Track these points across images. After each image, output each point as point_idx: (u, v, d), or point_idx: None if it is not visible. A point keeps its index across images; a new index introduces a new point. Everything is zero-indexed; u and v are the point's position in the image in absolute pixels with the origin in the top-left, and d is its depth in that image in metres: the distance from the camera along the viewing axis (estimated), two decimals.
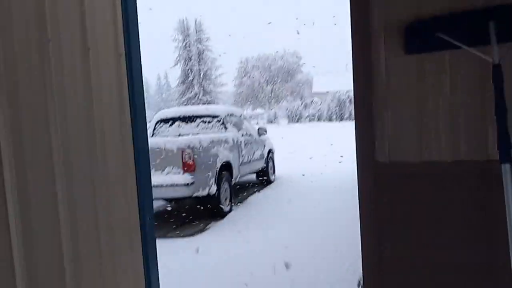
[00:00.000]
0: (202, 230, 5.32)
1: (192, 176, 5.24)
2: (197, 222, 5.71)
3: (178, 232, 5.30)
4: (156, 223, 5.59)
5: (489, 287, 1.76)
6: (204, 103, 30.50)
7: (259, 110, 43.57)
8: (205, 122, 7.10)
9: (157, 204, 6.90)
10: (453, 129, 1.80)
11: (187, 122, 7.15)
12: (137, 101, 2.08)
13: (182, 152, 5.27)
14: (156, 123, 7.35)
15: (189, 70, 36.77)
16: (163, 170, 5.29)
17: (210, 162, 5.68)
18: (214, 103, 31.54)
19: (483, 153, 1.74)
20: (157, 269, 2.25)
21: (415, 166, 1.87)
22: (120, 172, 1.96)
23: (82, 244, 1.69)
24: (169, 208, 6.64)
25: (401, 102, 1.87)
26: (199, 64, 36.93)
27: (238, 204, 6.72)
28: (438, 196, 1.84)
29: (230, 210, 6.20)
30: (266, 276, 3.53)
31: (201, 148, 5.51)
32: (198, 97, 35.16)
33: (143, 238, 2.13)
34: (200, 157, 5.43)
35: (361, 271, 1.96)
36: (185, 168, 5.26)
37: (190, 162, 5.27)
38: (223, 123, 7.06)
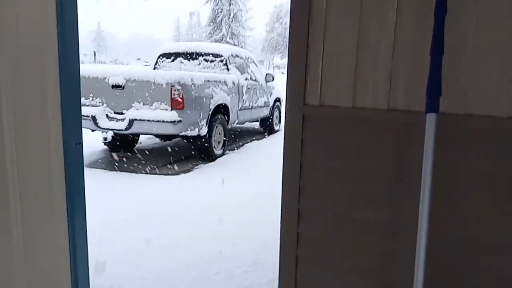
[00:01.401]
0: (186, 171, 5.28)
1: (180, 114, 5.09)
2: (186, 163, 5.67)
3: (163, 169, 5.28)
4: (142, 159, 5.63)
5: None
6: (231, 45, 29.56)
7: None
8: (208, 60, 6.83)
9: (150, 142, 6.91)
10: (392, 73, 1.52)
11: (189, 59, 6.90)
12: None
13: (171, 87, 5.08)
14: (158, 57, 7.14)
15: (219, 10, 35.55)
16: (151, 105, 5.15)
17: (202, 102, 5.49)
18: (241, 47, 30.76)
19: (421, 103, 1.47)
20: (84, 210, 2.09)
21: (347, 111, 1.62)
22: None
23: None
24: (159, 146, 6.62)
25: (339, 40, 1.59)
26: (229, 4, 35.58)
27: (234, 149, 6.61)
28: (367, 146, 1.60)
29: (223, 154, 6.10)
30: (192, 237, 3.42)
31: (193, 86, 5.29)
32: (225, 39, 34.25)
33: (66, 166, 2.00)
34: (190, 95, 5.24)
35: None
36: (173, 105, 5.09)
37: (179, 99, 5.09)
38: (225, 63, 6.77)
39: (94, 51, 34.48)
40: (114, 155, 5.88)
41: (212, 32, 35.88)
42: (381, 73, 1.54)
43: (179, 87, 5.07)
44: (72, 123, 1.99)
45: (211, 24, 36.28)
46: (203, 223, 3.44)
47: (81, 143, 2.10)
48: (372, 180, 1.61)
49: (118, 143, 5.98)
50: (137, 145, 6.55)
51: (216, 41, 33.52)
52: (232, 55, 6.94)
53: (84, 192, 2.08)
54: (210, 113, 5.63)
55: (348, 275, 1.69)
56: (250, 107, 7.12)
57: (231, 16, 35.83)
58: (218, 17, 35.62)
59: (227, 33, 35.41)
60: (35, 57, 1.75)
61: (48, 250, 1.84)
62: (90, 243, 2.03)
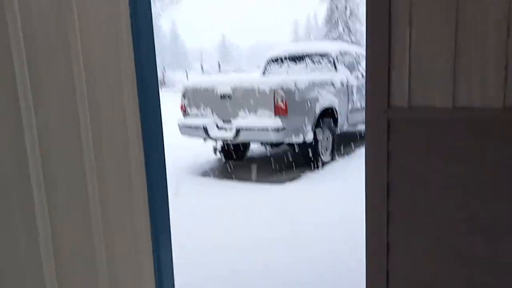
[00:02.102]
0: (292, 179, 5.11)
1: (283, 121, 4.97)
2: (292, 170, 5.52)
3: (269, 177, 5.22)
4: (252, 167, 5.68)
5: None
6: (348, 43, 28.48)
7: None
8: (315, 62, 6.58)
9: (262, 149, 6.95)
10: (508, 63, 1.10)
11: (296, 62, 6.75)
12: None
13: (274, 93, 4.98)
14: (267, 63, 7.17)
15: (335, 7, 34.69)
16: (256, 113, 5.15)
17: (307, 107, 5.27)
18: (358, 44, 29.36)
19: None
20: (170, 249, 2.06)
21: (446, 112, 1.24)
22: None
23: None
24: (269, 152, 6.60)
25: (431, 22, 1.23)
26: (346, 1, 34.38)
27: (344, 155, 6.21)
28: (475, 154, 1.20)
29: (331, 161, 5.77)
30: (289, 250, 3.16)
31: (296, 90, 5.12)
32: (342, 37, 33.19)
33: (148, 185, 2.01)
34: (294, 100, 5.07)
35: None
36: (276, 112, 4.99)
37: (282, 105, 4.97)
38: (333, 63, 6.42)
39: (218, 62, 37.16)
40: (226, 163, 6.08)
41: (328, 31, 35.24)
42: (491, 63, 1.13)
43: (282, 93, 4.95)
44: (153, 140, 2.01)
45: (327, 23, 35.67)
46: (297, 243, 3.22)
47: (163, 160, 2.11)
48: (482, 199, 1.19)
49: (229, 151, 6.15)
50: (249, 153, 6.66)
51: (333, 39, 32.77)
52: (340, 53, 6.56)
53: (168, 211, 2.07)
54: (316, 117, 5.37)
55: None
56: (362, 108, 6.61)
57: (347, 12, 34.67)
58: (334, 14, 34.82)
59: (344, 30, 34.34)
60: (111, 72, 1.78)
61: (132, 273, 1.86)
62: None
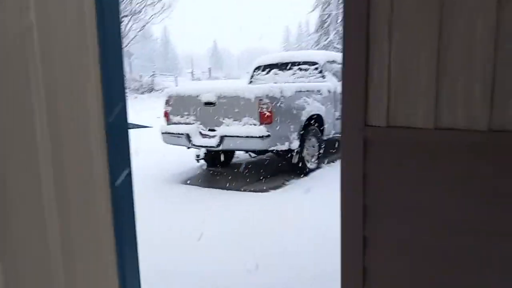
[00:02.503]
0: (277, 187, 5.00)
1: (268, 129, 4.86)
2: (278, 178, 5.41)
3: (254, 185, 5.10)
4: (236, 175, 5.55)
5: None
6: (338, 51, 28.63)
7: None
8: (302, 69, 6.50)
9: (247, 156, 6.84)
10: (494, 79, 1.00)
11: (283, 70, 6.67)
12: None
13: (259, 101, 4.88)
14: (254, 70, 7.08)
15: (326, 16, 34.96)
16: (241, 120, 5.03)
17: (293, 114, 5.17)
18: None
19: None
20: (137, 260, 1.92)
21: (428, 133, 1.14)
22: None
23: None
24: (254, 160, 6.49)
25: (412, 32, 1.13)
26: (337, 8, 34.70)
27: (330, 162, 6.12)
28: (459, 180, 1.10)
29: (317, 168, 5.68)
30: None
31: (282, 98, 5.02)
32: (333, 45, 33.38)
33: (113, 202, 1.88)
34: (279, 108, 4.97)
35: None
36: (261, 119, 4.88)
37: (267, 113, 4.86)
38: (320, 71, 6.35)
39: (209, 68, 37.05)
40: (209, 171, 5.94)
41: (319, 39, 35.43)
42: (477, 81, 1.03)
43: (267, 101, 4.85)
44: (119, 150, 1.88)
45: (318, 30, 35.87)
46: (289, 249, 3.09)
47: (130, 173, 1.98)
48: (465, 231, 1.09)
49: (213, 159, 6.03)
50: (233, 160, 6.53)
51: (324, 47, 32.90)
52: (328, 62, 6.50)
53: (135, 227, 1.93)
54: (302, 125, 5.28)
55: None
56: None
57: (338, 21, 34.96)
58: (326, 22, 35.05)
59: (335, 38, 34.58)
60: (73, 75, 1.66)
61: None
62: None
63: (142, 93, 21.42)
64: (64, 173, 1.62)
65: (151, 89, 23.17)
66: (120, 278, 1.82)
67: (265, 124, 4.86)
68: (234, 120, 5.08)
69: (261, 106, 4.86)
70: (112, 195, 1.82)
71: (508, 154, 0.99)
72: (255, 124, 4.92)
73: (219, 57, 79.41)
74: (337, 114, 6.21)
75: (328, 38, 35.45)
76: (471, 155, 1.05)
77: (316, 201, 4.30)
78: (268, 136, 4.84)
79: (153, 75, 25.39)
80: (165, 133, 5.63)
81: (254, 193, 4.80)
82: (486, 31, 1.02)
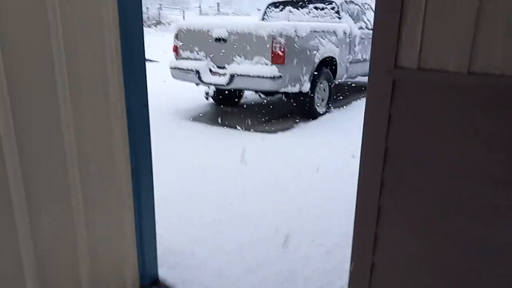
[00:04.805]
0: (285, 129, 5.01)
1: (280, 69, 4.76)
2: (287, 120, 5.41)
3: (261, 126, 5.11)
4: (244, 115, 5.54)
5: None
6: None
7: None
8: (318, 8, 6.22)
9: (256, 96, 6.78)
10: None
11: (298, 8, 6.39)
12: None
13: (273, 40, 4.73)
14: (267, 7, 6.78)
15: None
16: (252, 59, 4.92)
17: (306, 55, 5.03)
18: None
19: None
20: (151, 175, 1.96)
21: (460, 77, 1.11)
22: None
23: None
24: (264, 101, 6.44)
25: None
26: None
27: (340, 107, 6.07)
28: (488, 129, 1.09)
29: (326, 112, 5.65)
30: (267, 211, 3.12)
31: (296, 37, 4.85)
32: None
33: (129, 128, 1.89)
34: (293, 48, 4.82)
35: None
36: (274, 59, 4.77)
37: (280, 52, 4.73)
38: (337, 11, 6.08)
39: (217, 3, 35.51)
40: (218, 109, 5.94)
41: None
42: None
43: (281, 39, 4.70)
44: (136, 85, 1.85)
45: None
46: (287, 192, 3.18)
47: (146, 106, 1.97)
48: (491, 179, 1.10)
49: (222, 97, 5.98)
50: (242, 100, 6.49)
51: None
52: (345, 1, 6.19)
53: (151, 158, 1.96)
54: (315, 67, 5.16)
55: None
56: (363, 59, 6.38)
57: None
58: None
59: None
60: (91, 13, 1.60)
61: (111, 218, 1.80)
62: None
63: (149, 26, 20.75)
64: (81, 100, 1.62)
65: (157, 22, 22.42)
66: (136, 201, 1.89)
67: (277, 64, 4.75)
68: (245, 59, 4.97)
69: (275, 45, 4.72)
70: (129, 124, 1.84)
71: None
72: (266, 64, 4.81)
73: None
74: (351, 57, 6.05)
75: None
76: (506, 103, 1.03)
77: (323, 143, 4.33)
78: (280, 77, 4.75)
79: (160, 7, 24.43)
80: (174, 68, 5.53)
81: (262, 133, 4.83)
82: None
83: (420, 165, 1.22)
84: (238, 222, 2.67)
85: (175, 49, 5.55)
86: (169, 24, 21.61)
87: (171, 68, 5.58)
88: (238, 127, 5.06)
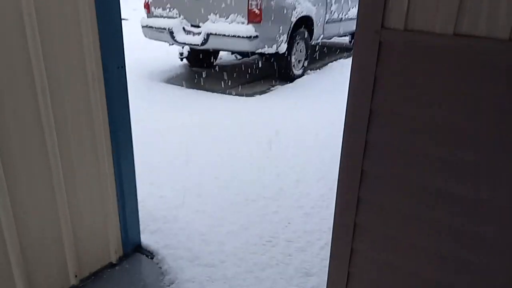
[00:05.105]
0: (262, 92, 4.95)
1: (257, 29, 4.63)
2: (263, 83, 5.34)
3: (237, 89, 5.02)
4: (220, 77, 5.43)
5: None
6: None
7: None
8: None
9: (232, 57, 6.63)
10: None
11: None
12: None
13: None
14: None
15: None
16: (228, 17, 4.74)
17: (282, 14, 4.90)
18: None
19: None
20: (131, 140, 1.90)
21: (446, 39, 1.11)
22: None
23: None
24: (240, 62, 6.31)
25: None
26: None
27: (317, 69, 6.03)
28: (472, 92, 1.10)
29: (303, 74, 5.60)
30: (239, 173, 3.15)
31: None
32: None
33: (107, 90, 1.80)
34: (269, 6, 4.67)
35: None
36: (250, 18, 4.62)
37: (256, 10, 4.58)
38: None
39: None
40: (192, 71, 5.78)
41: None
42: None
43: None
44: (112, 45, 1.75)
45: None
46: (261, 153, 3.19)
47: (123, 67, 1.89)
48: (471, 142, 1.13)
49: (196, 58, 5.81)
50: (217, 61, 6.33)
51: None
52: None
53: (129, 120, 1.90)
54: (291, 27, 5.05)
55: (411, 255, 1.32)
56: (340, 19, 6.29)
57: None
58: None
59: None
60: None
61: (91, 182, 1.76)
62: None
63: None
64: (57, 65, 1.52)
65: None
66: (116, 166, 1.85)
67: (254, 23, 4.62)
68: (221, 17, 4.79)
69: (251, 2, 4.55)
70: (106, 86, 1.76)
71: None
72: (243, 23, 4.66)
73: None
74: (328, 17, 5.94)
75: None
76: (491, 64, 1.04)
77: (301, 107, 4.33)
78: (256, 36, 4.63)
79: None
80: (146, 26, 5.29)
81: (239, 97, 4.76)
82: None
83: (404, 128, 1.23)
84: (220, 186, 2.68)
85: (146, 6, 5.28)
86: None
87: (143, 26, 5.33)
88: (214, 90, 4.97)
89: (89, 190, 1.75)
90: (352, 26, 6.88)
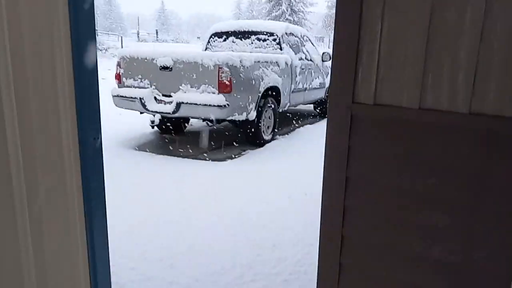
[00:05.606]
0: (233, 157, 5.04)
1: (227, 98, 4.83)
2: (234, 148, 5.45)
3: (209, 154, 5.09)
4: (191, 143, 5.49)
5: None
6: (290, 23, 28.38)
7: None
8: (260, 39, 6.46)
9: (202, 124, 6.77)
10: (478, 66, 1.09)
11: (241, 38, 6.58)
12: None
13: (219, 69, 4.81)
14: (210, 37, 6.90)
15: None
16: (199, 87, 4.94)
17: (251, 85, 5.17)
18: (300, 25, 29.41)
19: None
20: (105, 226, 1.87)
21: (412, 113, 1.23)
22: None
23: None
24: (210, 128, 6.44)
25: (403, 15, 1.18)
26: None
27: (285, 134, 6.26)
28: (438, 160, 1.20)
29: (272, 139, 5.79)
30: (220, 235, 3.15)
31: (242, 67, 4.98)
32: (285, 16, 33.27)
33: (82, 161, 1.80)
34: (239, 77, 4.94)
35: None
36: (221, 88, 4.83)
37: (227, 82, 4.81)
38: (278, 42, 6.35)
39: (156, 30, 35.38)
40: (163, 138, 5.82)
41: (271, 9, 35.04)
42: (462, 65, 1.11)
43: (227, 69, 4.79)
44: (89, 116, 1.78)
45: (271, 0, 35.38)
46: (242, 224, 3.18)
47: (99, 138, 1.90)
48: (443, 207, 1.21)
49: (167, 125, 5.89)
50: (188, 128, 6.44)
51: (275, 17, 32.65)
52: (286, 34, 6.50)
53: (104, 193, 1.87)
54: (260, 96, 5.31)
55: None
56: (304, 89, 6.68)
57: None
58: None
59: (287, 10, 34.37)
60: (41, 42, 1.53)
61: (62, 254, 1.67)
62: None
63: None
64: (32, 135, 1.52)
65: None
66: (89, 239, 1.77)
67: (224, 93, 4.82)
68: (192, 87, 4.97)
69: (221, 74, 4.79)
70: (82, 161, 1.75)
71: (486, 136, 1.10)
72: (213, 93, 4.85)
73: (166, 19, 75.80)
74: (293, 87, 6.30)
75: (280, 8, 35.10)
76: (452, 136, 1.15)
77: (273, 171, 4.41)
78: (227, 105, 4.81)
79: (95, 33, 23.74)
80: (117, 96, 5.38)
81: (211, 162, 4.81)
82: (472, 24, 1.09)
83: (377, 193, 1.30)
84: (194, 256, 2.61)
85: (118, 77, 5.41)
86: (106, 50, 21.02)
87: (114, 96, 5.42)
88: (185, 155, 4.99)
89: (60, 267, 1.66)
90: (316, 95, 7.32)
